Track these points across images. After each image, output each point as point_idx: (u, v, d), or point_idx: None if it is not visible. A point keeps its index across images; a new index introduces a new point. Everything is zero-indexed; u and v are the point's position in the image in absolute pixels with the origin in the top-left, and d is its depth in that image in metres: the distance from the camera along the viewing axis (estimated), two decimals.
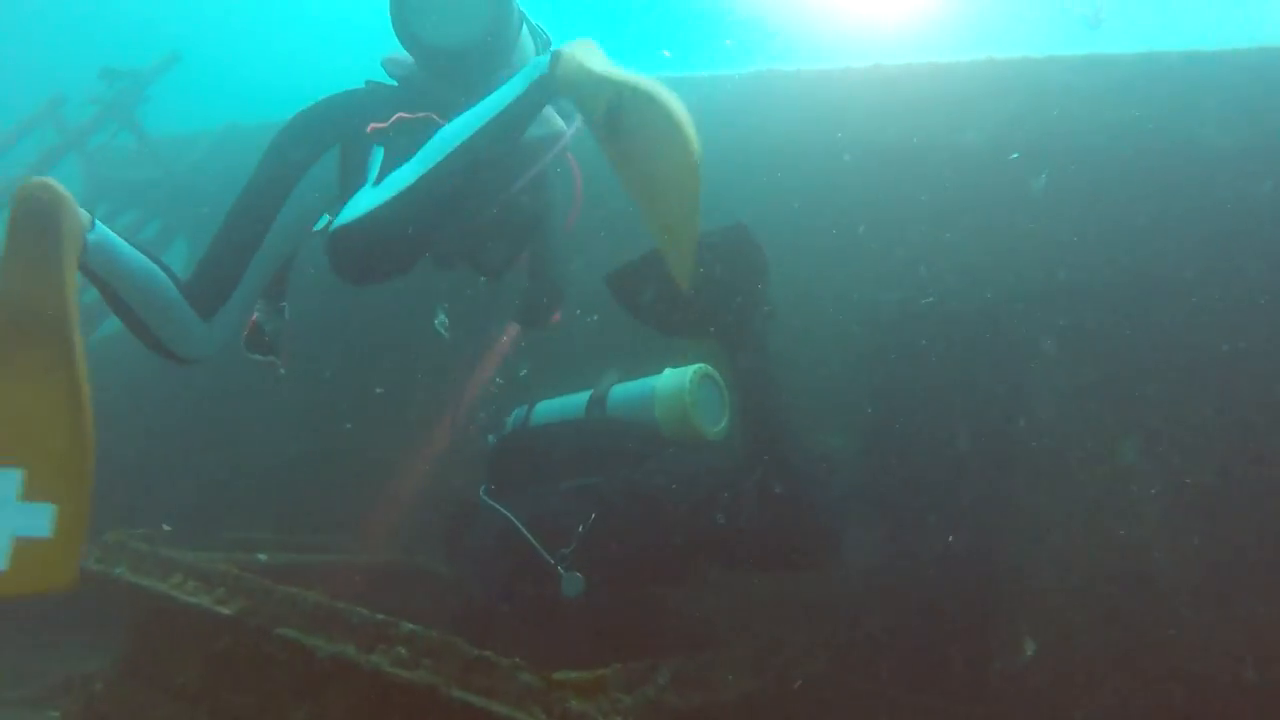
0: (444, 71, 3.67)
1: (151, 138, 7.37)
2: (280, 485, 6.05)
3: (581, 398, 3.95)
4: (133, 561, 3.39)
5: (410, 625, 2.70)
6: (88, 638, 4.82)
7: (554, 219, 4.14)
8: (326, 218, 3.54)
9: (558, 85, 3.19)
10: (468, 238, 3.85)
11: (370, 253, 3.14)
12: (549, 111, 3.66)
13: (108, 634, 3.76)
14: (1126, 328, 4.19)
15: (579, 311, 4.82)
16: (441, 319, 4.34)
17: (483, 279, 4.15)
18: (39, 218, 2.64)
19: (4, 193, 6.51)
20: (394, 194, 3.10)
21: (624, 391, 3.86)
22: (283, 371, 3.83)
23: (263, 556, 3.84)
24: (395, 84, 3.84)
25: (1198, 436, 3.97)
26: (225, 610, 3.02)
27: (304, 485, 6.00)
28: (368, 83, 3.88)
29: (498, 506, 3.55)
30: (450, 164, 3.15)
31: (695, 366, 3.71)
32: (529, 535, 3.37)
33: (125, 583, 3.29)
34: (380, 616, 2.76)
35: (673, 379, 3.70)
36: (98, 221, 2.96)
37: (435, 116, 3.40)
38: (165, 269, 3.14)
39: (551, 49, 3.43)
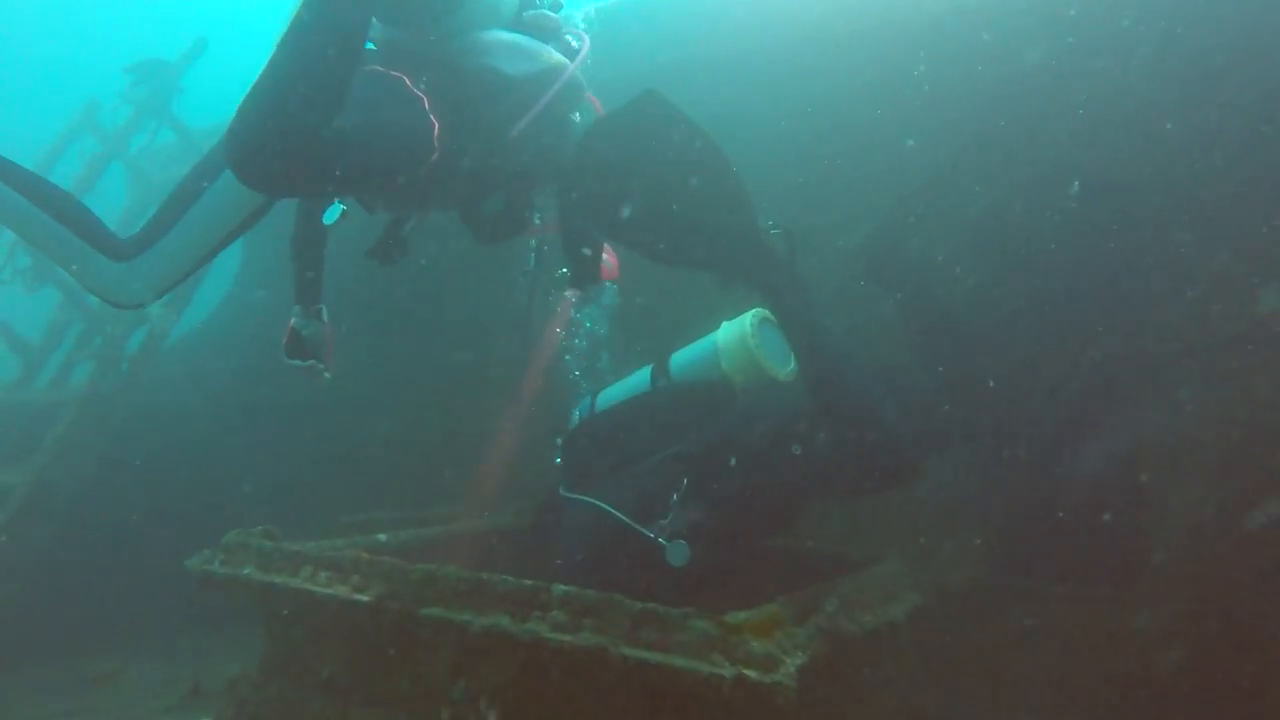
0: (394, 23, 3.32)
1: (191, 130, 7.25)
2: (378, 465, 6.02)
3: (642, 374, 3.86)
4: (259, 560, 3.30)
5: (563, 587, 2.56)
6: (220, 641, 4.87)
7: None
8: (341, 207, 3.37)
9: None
10: (456, 192, 3.57)
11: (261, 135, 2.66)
12: (535, 45, 3.38)
13: (237, 634, 3.72)
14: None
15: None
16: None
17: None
18: None
19: None
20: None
21: (684, 355, 3.78)
22: (328, 375, 3.70)
23: (382, 537, 3.74)
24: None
25: None
26: (364, 597, 2.92)
27: (401, 463, 5.97)
28: None
29: (583, 497, 3.42)
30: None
31: (751, 312, 3.62)
32: (621, 516, 3.23)
33: (256, 582, 3.21)
34: (529, 582, 2.63)
35: (733, 329, 3.61)
36: None
37: (379, 68, 3.07)
38: (68, 212, 3.00)
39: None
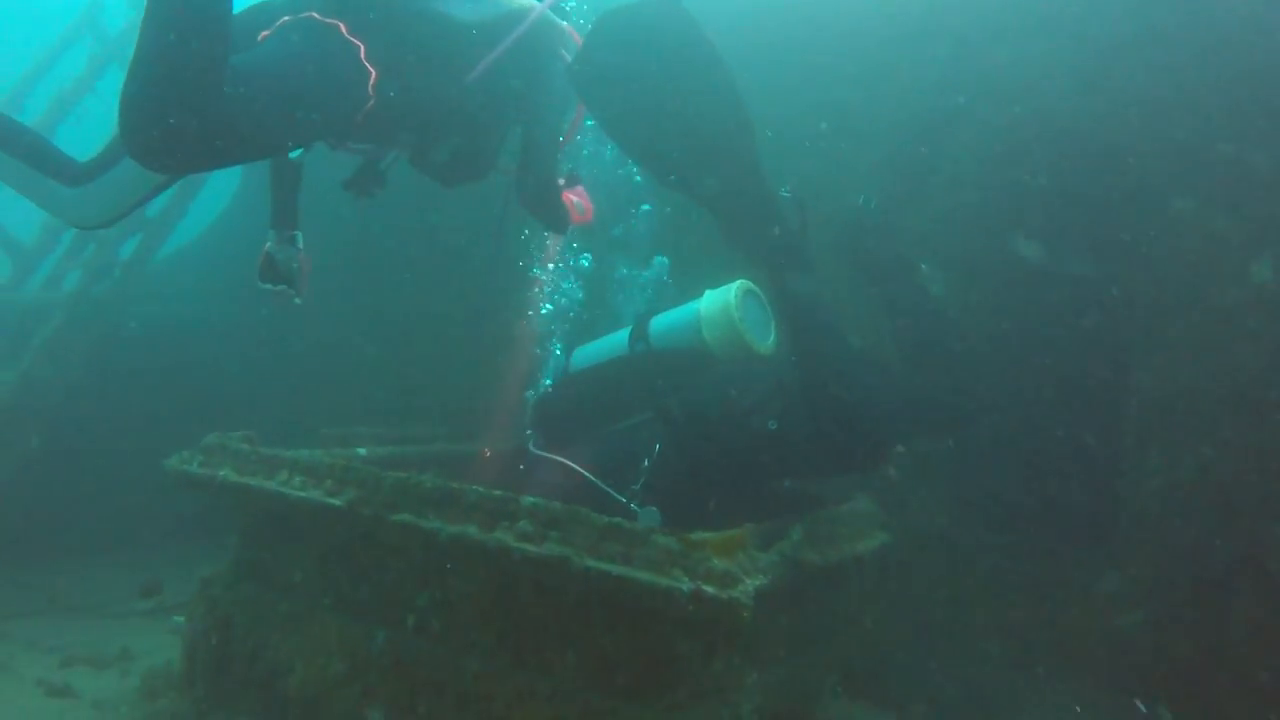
0: None
1: None
2: (363, 386, 6.04)
3: (620, 336, 3.83)
4: (236, 462, 3.33)
5: (531, 499, 2.59)
6: (201, 548, 4.91)
7: (544, 119, 3.66)
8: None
9: None
10: (405, 137, 3.50)
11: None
12: None
13: (219, 542, 3.77)
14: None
15: None
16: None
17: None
18: None
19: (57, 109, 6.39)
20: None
21: (665, 321, 3.75)
22: (298, 300, 3.69)
23: (362, 451, 3.76)
24: None
25: None
26: (336, 501, 2.94)
27: (388, 384, 5.99)
28: None
29: (553, 456, 3.42)
30: None
31: (737, 283, 3.61)
32: (591, 477, 3.24)
33: (231, 483, 3.23)
34: (498, 493, 2.65)
35: (716, 298, 3.59)
36: None
37: (315, 15, 2.94)
38: (23, 146, 2.96)
39: None
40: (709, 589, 2.19)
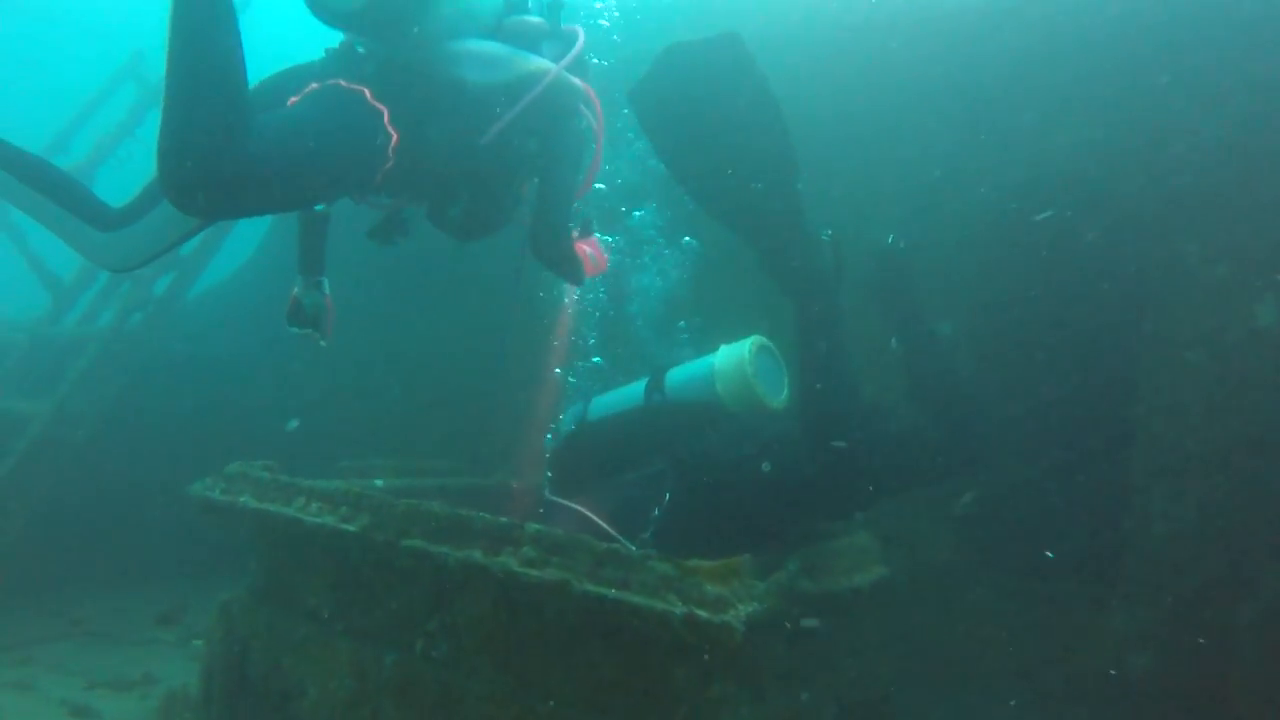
0: (358, 34, 3.37)
1: None
2: (391, 422, 6.17)
3: (637, 387, 3.96)
4: (256, 489, 3.45)
5: (536, 526, 2.68)
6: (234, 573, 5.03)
7: (559, 175, 3.79)
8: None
9: None
10: (422, 195, 3.66)
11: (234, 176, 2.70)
12: (509, 54, 3.42)
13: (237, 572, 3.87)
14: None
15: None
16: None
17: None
18: None
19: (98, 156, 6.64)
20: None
21: (681, 374, 3.87)
22: (324, 343, 3.83)
23: (379, 482, 3.88)
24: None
25: None
26: (351, 527, 3.05)
27: (413, 421, 6.12)
28: (326, 51, 3.62)
29: (567, 503, 3.53)
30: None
31: (751, 338, 3.73)
32: (603, 525, 3.34)
33: (250, 509, 3.35)
34: (504, 520, 2.74)
35: (731, 353, 3.72)
36: None
37: (342, 83, 3.12)
38: (60, 190, 3.14)
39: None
40: (701, 613, 2.27)
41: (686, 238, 4.90)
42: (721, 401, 3.66)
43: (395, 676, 2.96)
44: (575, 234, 3.95)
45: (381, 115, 3.05)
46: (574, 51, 3.62)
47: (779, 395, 3.74)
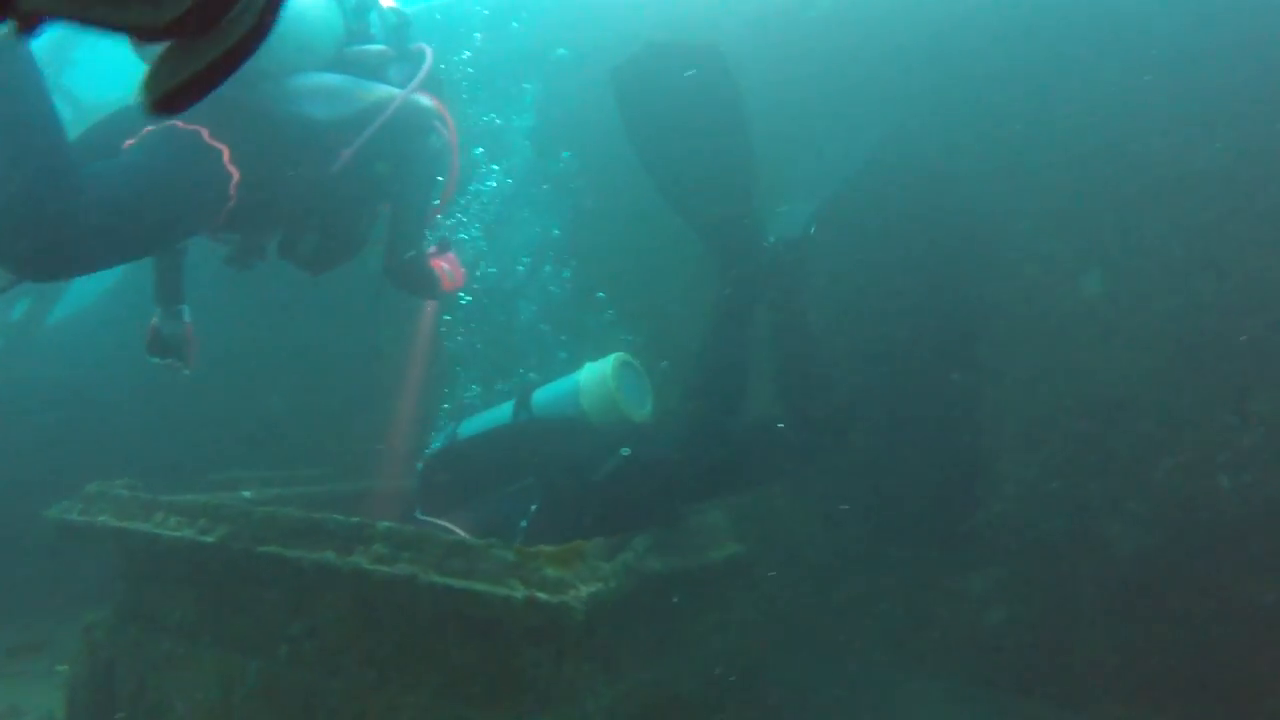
0: None
1: (83, 103, 7.17)
2: (264, 435, 6.10)
3: (505, 407, 4.06)
4: (116, 507, 3.41)
5: (386, 523, 2.73)
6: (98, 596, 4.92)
7: (411, 198, 3.82)
8: None
9: None
10: (271, 229, 3.61)
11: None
12: (352, 86, 3.43)
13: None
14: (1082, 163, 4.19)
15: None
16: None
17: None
18: None
19: None
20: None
21: (547, 392, 4.00)
22: (187, 372, 3.79)
23: (247, 493, 3.87)
24: None
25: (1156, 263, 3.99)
26: (209, 539, 3.05)
27: (285, 433, 6.06)
28: None
29: (437, 521, 3.60)
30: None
31: (614, 355, 3.88)
32: (469, 539, 3.43)
33: (110, 528, 3.32)
34: (356, 520, 2.79)
35: (594, 370, 3.86)
36: None
37: (178, 124, 3.00)
38: None
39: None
40: (542, 595, 2.36)
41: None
42: (587, 415, 3.79)
43: (260, 683, 2.98)
44: (433, 250, 3.99)
45: (221, 154, 3.00)
46: (422, 73, 3.63)
47: (643, 409, 3.88)
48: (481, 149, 5.47)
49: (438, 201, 3.99)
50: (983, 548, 4.25)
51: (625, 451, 3.34)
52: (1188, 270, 3.90)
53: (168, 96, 0.65)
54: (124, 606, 3.47)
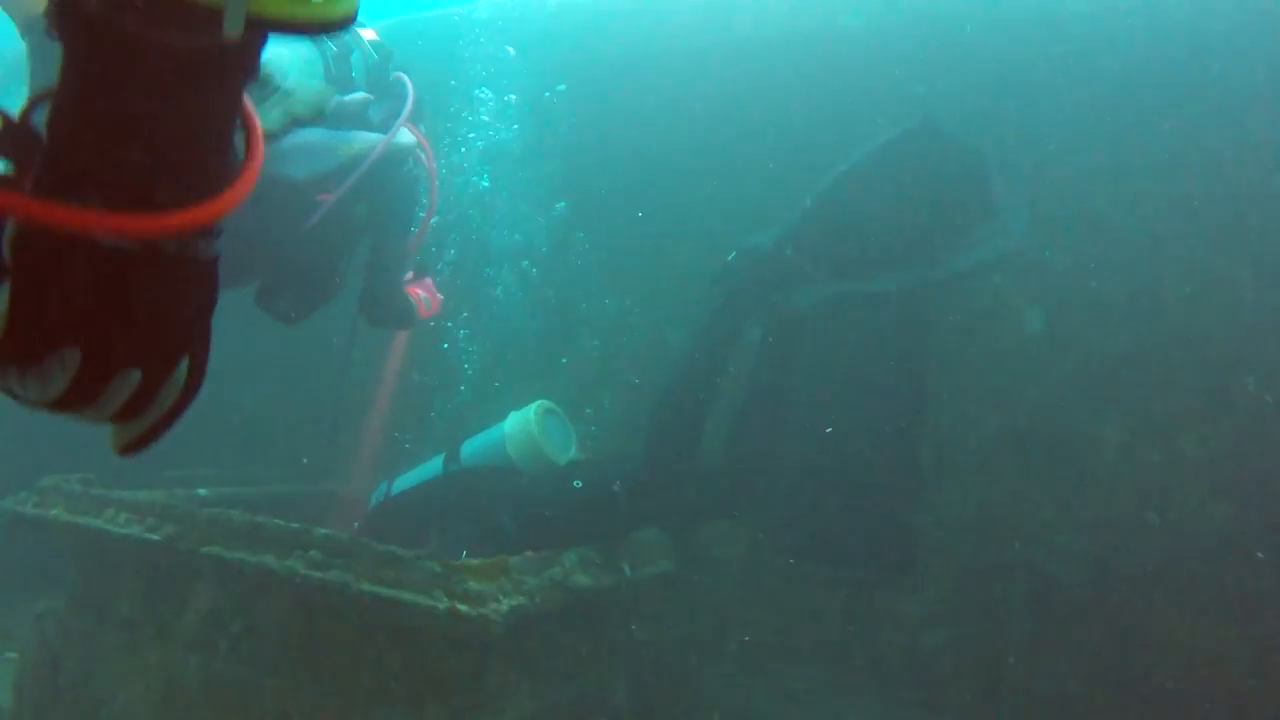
0: None
1: None
2: (228, 431, 6.19)
3: (435, 461, 4.18)
4: (69, 502, 3.51)
5: (324, 530, 2.84)
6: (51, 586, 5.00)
7: (390, 238, 3.83)
8: None
9: None
10: (251, 280, 3.59)
11: None
12: (332, 141, 3.44)
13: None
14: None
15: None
16: None
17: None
18: None
19: None
20: None
21: (475, 443, 4.11)
22: None
23: (203, 491, 3.96)
24: None
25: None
26: (155, 537, 3.15)
27: (258, 431, 6.14)
28: None
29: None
30: None
31: (536, 403, 4.00)
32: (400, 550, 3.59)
33: (61, 522, 3.42)
34: (295, 525, 2.89)
35: (518, 418, 3.98)
36: None
37: None
38: None
39: None
40: (463, 607, 2.47)
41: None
42: (514, 463, 3.91)
43: (200, 678, 3.08)
44: (410, 277, 4.06)
45: None
46: (406, 112, 3.62)
47: (567, 452, 4.02)
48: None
49: (416, 230, 4.00)
50: (922, 572, 4.37)
51: (578, 484, 3.46)
52: (1125, 312, 4.04)
53: (128, 447, 0.77)
54: (75, 599, 3.56)
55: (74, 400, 0.71)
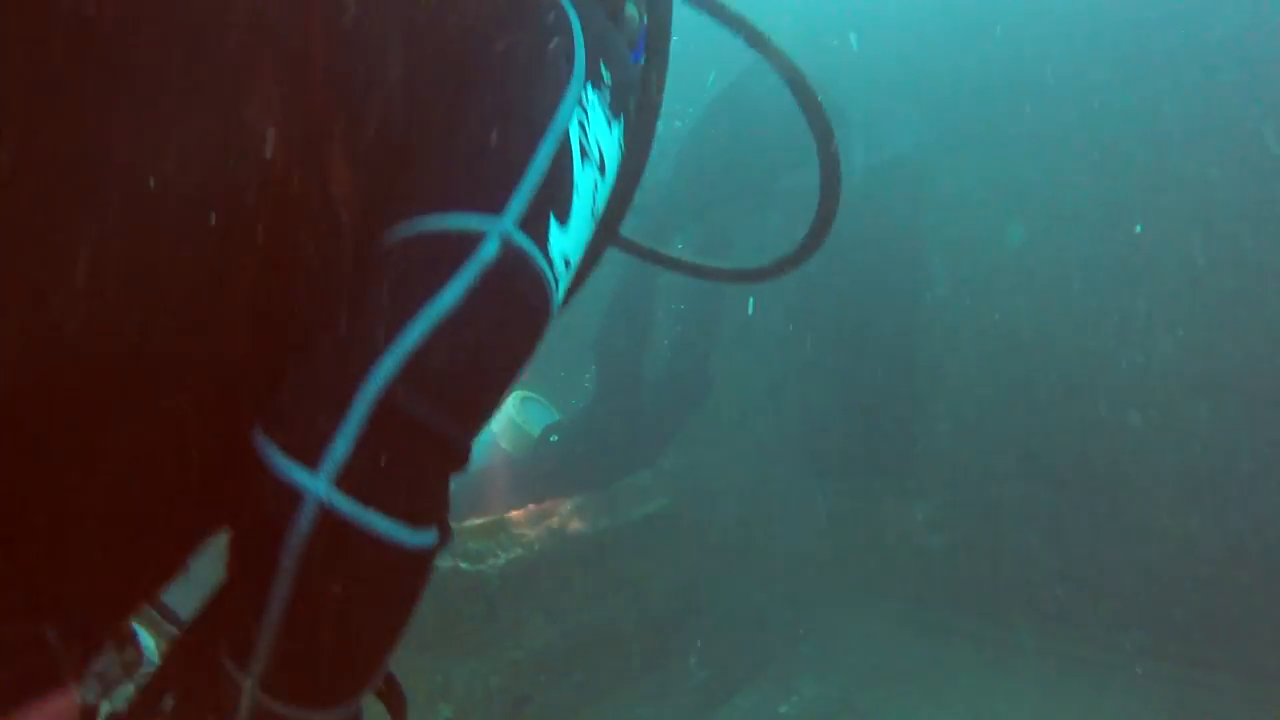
0: None
1: None
2: None
3: None
4: None
5: None
6: None
7: None
8: None
9: None
10: None
11: None
12: None
13: None
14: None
15: None
16: None
17: None
18: None
19: None
20: None
21: None
22: None
23: None
24: None
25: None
26: None
27: None
28: None
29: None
30: None
31: (514, 394, 4.26)
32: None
33: None
34: None
35: (500, 412, 4.23)
36: None
37: None
38: None
39: None
40: (464, 565, 2.81)
41: None
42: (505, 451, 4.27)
43: None
44: None
45: None
46: None
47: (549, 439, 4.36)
48: None
49: None
50: (923, 480, 4.62)
51: (554, 439, 3.78)
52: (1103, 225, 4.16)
53: None
54: None
55: None
